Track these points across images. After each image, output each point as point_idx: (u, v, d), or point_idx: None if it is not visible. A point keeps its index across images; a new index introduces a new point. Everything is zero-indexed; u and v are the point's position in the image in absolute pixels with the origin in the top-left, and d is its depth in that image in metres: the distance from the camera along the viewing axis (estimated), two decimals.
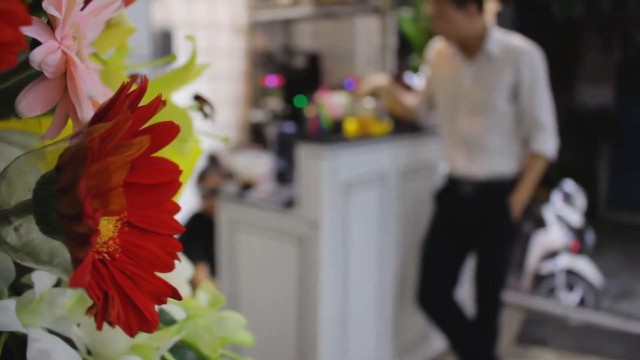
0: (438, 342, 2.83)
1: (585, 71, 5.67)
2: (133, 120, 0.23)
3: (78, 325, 0.34)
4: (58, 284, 0.33)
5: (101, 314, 0.22)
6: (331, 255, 2.16)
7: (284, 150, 2.45)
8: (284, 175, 2.46)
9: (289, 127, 2.59)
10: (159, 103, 0.25)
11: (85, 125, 0.23)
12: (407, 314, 2.60)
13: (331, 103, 2.36)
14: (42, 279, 0.31)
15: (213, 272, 2.77)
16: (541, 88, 2.14)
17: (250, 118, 3.78)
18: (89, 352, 0.35)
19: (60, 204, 0.22)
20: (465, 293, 2.71)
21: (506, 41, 2.16)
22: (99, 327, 0.22)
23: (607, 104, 5.60)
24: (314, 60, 3.74)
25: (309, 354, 2.20)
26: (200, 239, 2.83)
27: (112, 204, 0.21)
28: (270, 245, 2.32)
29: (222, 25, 3.51)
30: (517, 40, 2.16)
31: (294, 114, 3.57)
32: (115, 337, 0.34)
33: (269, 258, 2.34)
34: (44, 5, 0.25)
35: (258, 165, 2.87)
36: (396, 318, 2.55)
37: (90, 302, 0.33)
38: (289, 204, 2.24)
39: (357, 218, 2.26)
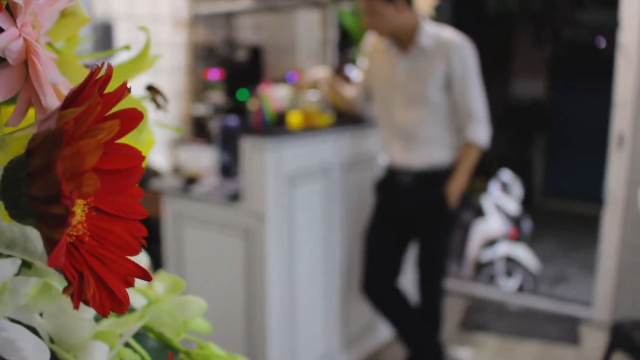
0: (384, 331, 2.88)
1: (519, 65, 5.85)
2: (101, 106, 0.23)
3: (40, 314, 0.34)
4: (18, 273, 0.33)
5: (78, 294, 0.23)
6: (277, 248, 2.17)
7: (228, 143, 2.44)
8: (229, 169, 2.45)
9: (233, 121, 2.58)
10: (124, 89, 0.26)
11: (56, 110, 0.23)
12: (353, 304, 2.63)
13: (274, 96, 2.36)
14: (3, 268, 0.31)
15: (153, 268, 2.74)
16: (472, 79, 2.20)
17: (192, 112, 3.74)
18: (51, 341, 0.35)
19: (32, 187, 0.22)
20: (408, 281, 2.77)
21: (438, 34, 2.21)
22: (76, 307, 0.23)
23: (541, 96, 5.80)
24: (256, 54, 3.73)
25: (257, 346, 2.21)
26: None
27: (86, 186, 0.22)
28: (216, 239, 2.31)
29: (163, 18, 3.46)
30: (448, 33, 2.21)
31: (236, 107, 3.55)
32: (78, 324, 0.34)
33: (215, 252, 2.33)
34: None
35: (202, 159, 2.85)
36: (343, 308, 2.58)
37: (54, 288, 0.34)
38: (234, 197, 2.23)
39: (302, 210, 2.27)
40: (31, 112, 0.31)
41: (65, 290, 0.23)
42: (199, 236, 2.37)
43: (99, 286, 0.25)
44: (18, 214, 0.24)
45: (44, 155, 0.22)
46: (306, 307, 2.35)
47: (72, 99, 0.23)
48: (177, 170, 2.91)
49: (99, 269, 0.25)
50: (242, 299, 2.24)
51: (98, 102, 0.23)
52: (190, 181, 2.49)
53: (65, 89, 0.29)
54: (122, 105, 0.33)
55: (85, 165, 0.22)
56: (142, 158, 0.29)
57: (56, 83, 0.28)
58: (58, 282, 0.33)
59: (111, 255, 0.26)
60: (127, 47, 0.46)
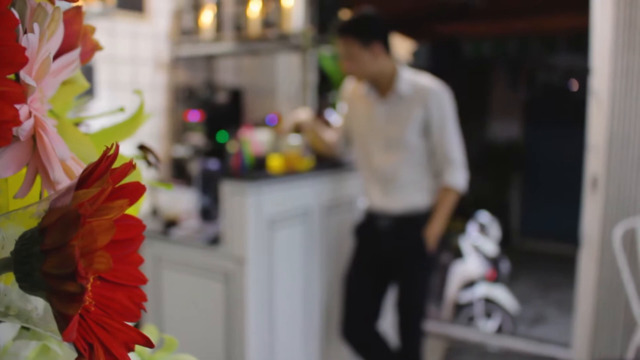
0: None
1: (495, 108, 5.98)
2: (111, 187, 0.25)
3: None
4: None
5: None
6: (257, 291, 2.16)
7: (209, 186, 2.45)
8: (209, 212, 2.45)
9: (213, 164, 2.59)
10: (130, 167, 0.28)
11: (70, 189, 0.25)
12: (333, 347, 2.62)
13: (255, 140, 2.38)
14: (3, 332, 0.32)
15: None
16: (450, 125, 2.24)
17: (172, 153, 3.75)
18: None
19: (46, 263, 0.23)
20: (388, 324, 2.76)
21: (415, 81, 2.25)
22: None
23: (517, 138, 5.91)
24: (236, 96, 3.76)
25: None
26: None
27: (97, 264, 0.23)
28: (196, 282, 2.30)
29: (144, 59, 3.49)
30: (426, 80, 2.26)
31: (216, 149, 3.56)
32: None
33: (194, 295, 2.32)
34: (22, 75, 0.27)
35: (181, 201, 2.85)
36: (322, 352, 2.56)
37: (53, 351, 0.34)
38: (214, 240, 2.23)
39: (282, 253, 2.28)
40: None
41: None
42: (178, 280, 2.36)
43: (106, 355, 0.26)
44: (30, 286, 0.25)
45: (59, 234, 0.23)
46: (286, 351, 2.34)
47: (85, 178, 0.25)
48: (155, 212, 2.90)
49: (104, 337, 0.26)
50: (222, 343, 2.22)
51: (109, 184, 0.24)
52: (170, 224, 2.48)
53: (71, 161, 0.31)
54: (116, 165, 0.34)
55: (98, 245, 0.23)
56: (143, 227, 0.30)
57: (64, 159, 0.29)
58: (56, 345, 0.34)
59: (115, 324, 0.28)
60: (121, 109, 0.48)
